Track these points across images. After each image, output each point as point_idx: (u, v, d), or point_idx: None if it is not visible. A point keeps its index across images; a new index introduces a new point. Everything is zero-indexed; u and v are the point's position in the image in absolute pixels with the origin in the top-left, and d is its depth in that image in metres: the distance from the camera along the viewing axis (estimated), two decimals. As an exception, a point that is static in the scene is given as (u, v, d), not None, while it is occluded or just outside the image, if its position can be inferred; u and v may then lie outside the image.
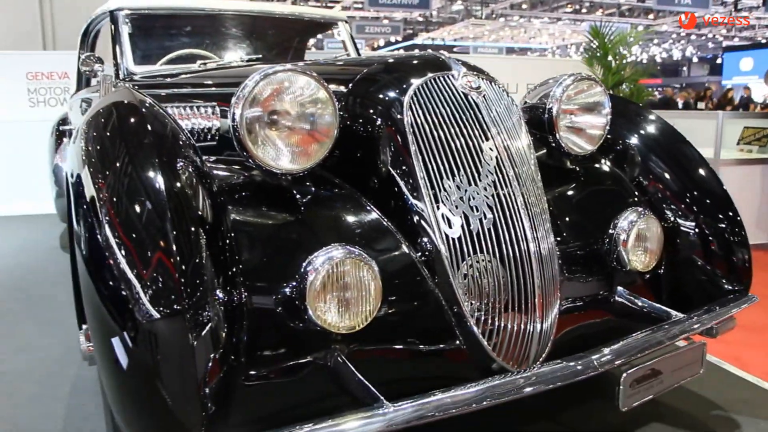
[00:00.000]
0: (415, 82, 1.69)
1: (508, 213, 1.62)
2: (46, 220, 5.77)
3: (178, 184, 1.40)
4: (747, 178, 4.98)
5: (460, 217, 1.58)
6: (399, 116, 1.64)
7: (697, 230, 2.11)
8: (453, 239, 1.57)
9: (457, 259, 1.56)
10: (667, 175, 2.24)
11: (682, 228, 2.13)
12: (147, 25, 3.30)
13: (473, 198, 1.60)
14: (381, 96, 1.71)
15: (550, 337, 1.66)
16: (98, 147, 1.51)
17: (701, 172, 2.23)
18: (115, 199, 1.36)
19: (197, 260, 1.31)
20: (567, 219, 1.95)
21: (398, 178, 1.63)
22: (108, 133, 1.55)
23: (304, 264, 1.41)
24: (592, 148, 2.13)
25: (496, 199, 1.62)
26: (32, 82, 6.41)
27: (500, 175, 1.65)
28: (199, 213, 1.40)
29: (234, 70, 2.75)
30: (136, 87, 2.76)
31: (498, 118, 1.73)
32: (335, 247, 1.42)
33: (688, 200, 2.16)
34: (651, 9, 24.50)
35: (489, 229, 1.59)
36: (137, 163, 1.42)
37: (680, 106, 14.71)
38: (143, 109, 1.61)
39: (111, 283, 1.28)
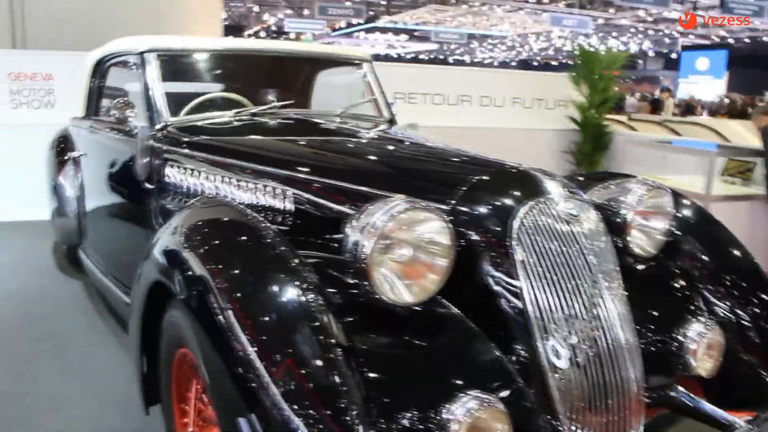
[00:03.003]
0: (520, 210, 1.74)
1: (610, 346, 1.71)
2: (30, 228, 5.64)
3: (306, 305, 1.50)
4: (736, 213, 5.19)
5: (569, 349, 1.66)
6: (509, 251, 1.71)
7: (744, 325, 2.23)
8: (560, 369, 1.64)
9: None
10: (712, 265, 2.35)
11: (730, 322, 2.25)
12: (174, 67, 3.25)
13: (580, 332, 1.68)
14: (487, 224, 1.77)
15: None
16: (220, 265, 1.63)
17: (745, 262, 2.35)
18: (251, 319, 1.48)
19: (351, 394, 1.39)
20: (637, 321, 2.05)
21: (508, 308, 1.70)
22: (226, 250, 1.71)
23: (444, 411, 1.46)
24: (655, 252, 2.23)
25: (601, 333, 1.70)
26: (14, 83, 6.19)
27: (603, 307, 1.73)
28: (335, 337, 1.47)
29: (291, 146, 2.70)
30: (184, 146, 2.76)
31: (595, 247, 1.80)
32: (470, 397, 1.48)
33: (736, 294, 2.28)
34: (611, 3, 24.92)
35: (594, 361, 1.68)
36: (264, 282, 1.56)
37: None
38: (252, 226, 1.76)
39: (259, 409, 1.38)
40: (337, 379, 1.40)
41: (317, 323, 1.47)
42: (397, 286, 1.61)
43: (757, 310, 2.24)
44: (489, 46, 40.20)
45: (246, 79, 3.63)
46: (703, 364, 2.03)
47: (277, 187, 2.27)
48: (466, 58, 43.68)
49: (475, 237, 1.77)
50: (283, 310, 1.50)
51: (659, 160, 5.99)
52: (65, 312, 3.87)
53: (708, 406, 2.04)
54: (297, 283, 1.54)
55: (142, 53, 3.09)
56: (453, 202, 1.83)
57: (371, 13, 30.33)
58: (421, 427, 1.46)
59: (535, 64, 42.55)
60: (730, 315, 2.23)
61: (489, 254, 1.75)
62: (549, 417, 1.64)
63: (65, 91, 6.20)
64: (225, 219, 1.86)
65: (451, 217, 1.78)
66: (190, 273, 1.66)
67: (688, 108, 18.87)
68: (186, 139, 2.81)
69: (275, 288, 1.53)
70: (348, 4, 27.17)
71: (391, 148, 2.55)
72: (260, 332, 1.46)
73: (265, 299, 1.52)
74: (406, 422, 1.46)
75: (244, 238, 1.72)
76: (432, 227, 1.63)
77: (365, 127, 3.05)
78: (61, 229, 4.50)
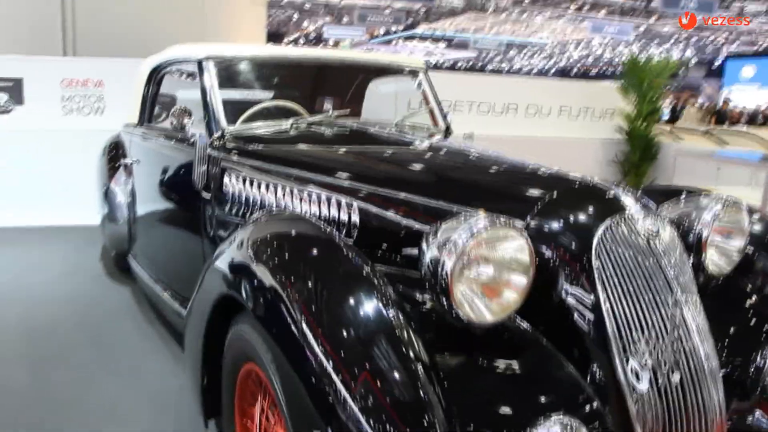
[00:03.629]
0: (600, 227, 1.68)
1: (693, 367, 1.64)
2: (78, 233, 5.72)
3: (386, 318, 1.48)
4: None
5: (649, 371, 1.59)
6: (589, 268, 1.64)
7: None
8: (641, 392, 1.58)
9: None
10: None
11: None
12: (230, 75, 3.25)
13: (662, 352, 1.61)
14: (566, 240, 1.71)
15: None
16: (295, 278, 1.61)
17: None
18: (328, 332, 1.46)
19: (434, 411, 1.35)
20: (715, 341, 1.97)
21: (586, 326, 1.64)
22: (301, 262, 1.68)
23: None
24: (729, 269, 2.14)
25: (683, 354, 1.63)
26: (67, 89, 6.29)
27: (684, 326, 1.66)
28: (417, 352, 1.44)
29: (354, 157, 2.64)
30: (243, 155, 2.75)
31: (676, 266, 1.73)
32: (554, 421, 1.42)
33: None
34: (654, 10, 24.56)
35: (676, 386, 1.61)
36: (341, 295, 1.54)
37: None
38: (327, 239, 1.76)
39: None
40: (419, 394, 1.36)
41: (398, 338, 1.44)
42: (477, 305, 1.56)
43: None
44: (527, 54, 39.91)
45: (301, 87, 3.63)
46: None
47: (342, 199, 2.23)
48: (504, 66, 43.41)
49: (552, 253, 1.72)
50: (362, 323, 1.47)
51: (711, 172, 5.85)
52: (116, 318, 3.89)
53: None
54: (375, 295, 1.52)
55: (200, 61, 3.09)
56: (529, 217, 1.78)
57: (410, 20, 30.36)
58: None
59: (574, 72, 42.10)
60: None
61: (567, 271, 1.69)
62: None
63: (115, 98, 6.31)
64: (298, 231, 1.83)
65: (528, 234, 1.73)
66: (264, 286, 1.64)
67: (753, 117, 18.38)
68: (245, 148, 2.81)
69: (353, 301, 1.51)
70: (387, 11, 27.23)
71: (457, 159, 2.50)
72: (338, 346, 1.43)
73: (342, 312, 1.49)
74: None
75: (319, 250, 1.70)
76: (513, 245, 1.58)
77: (425, 138, 3.01)
78: (111, 235, 4.54)
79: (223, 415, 2.08)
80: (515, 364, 1.58)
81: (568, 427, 1.42)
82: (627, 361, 1.59)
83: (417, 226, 1.97)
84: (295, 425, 1.48)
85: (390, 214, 2.08)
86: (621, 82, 7.56)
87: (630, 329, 1.61)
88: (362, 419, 1.32)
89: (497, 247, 1.57)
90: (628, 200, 1.78)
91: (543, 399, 1.50)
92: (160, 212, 3.68)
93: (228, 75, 3.18)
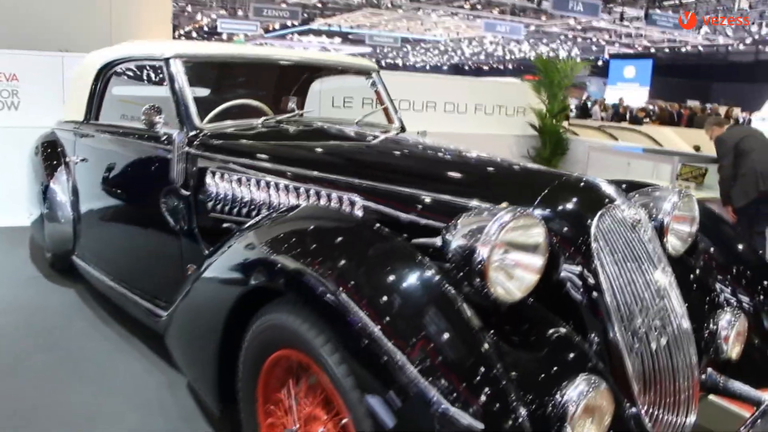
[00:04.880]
0: (594, 215, 1.95)
1: (676, 330, 1.93)
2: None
3: (437, 287, 1.69)
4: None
5: (643, 337, 1.87)
6: (586, 249, 1.91)
7: (756, 311, 2.52)
8: (636, 354, 1.85)
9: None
10: (723, 260, 2.64)
11: (742, 308, 2.52)
12: (195, 74, 3.29)
13: (652, 319, 1.90)
14: (566, 226, 1.97)
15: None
16: (337, 260, 1.78)
17: (753, 255, 2.66)
18: (380, 305, 1.63)
19: (496, 372, 1.56)
20: None
21: (586, 299, 1.90)
22: (343, 246, 1.86)
23: (561, 392, 1.63)
24: (683, 251, 2.49)
25: (669, 320, 1.93)
26: (-27, 82, 5.97)
27: (669, 298, 1.96)
28: (470, 317, 1.66)
29: (340, 152, 2.79)
30: (224, 152, 2.83)
31: (654, 246, 2.03)
32: (581, 379, 1.65)
33: (744, 283, 2.57)
34: (544, 11, 25.80)
35: (664, 348, 1.89)
36: (386, 268, 1.73)
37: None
38: (364, 224, 1.99)
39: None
40: (482, 352, 1.58)
41: (452, 303, 1.66)
42: (508, 286, 1.78)
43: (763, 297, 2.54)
44: (422, 50, 40.80)
45: (259, 85, 3.73)
46: (734, 349, 2.30)
47: (342, 195, 2.36)
48: (399, 62, 44.16)
49: (553, 238, 1.96)
50: (413, 292, 1.66)
51: (623, 166, 6.39)
52: (67, 321, 3.76)
53: (738, 385, 2.28)
54: (419, 266, 1.72)
55: (167, 59, 3.12)
56: (531, 209, 2.01)
57: (305, 15, 30.27)
58: (540, 411, 1.63)
59: (467, 68, 43.45)
60: (745, 303, 2.51)
61: (568, 253, 1.94)
62: (626, 398, 1.84)
63: (31, 93, 6.06)
64: (328, 219, 1.98)
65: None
66: (309, 273, 1.76)
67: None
68: (224, 145, 2.88)
69: (399, 273, 1.69)
70: (284, 6, 27.04)
71: (444, 155, 2.70)
72: (394, 316, 1.61)
73: (391, 284, 1.67)
74: (523, 409, 1.60)
75: (355, 233, 1.89)
76: (534, 232, 1.81)
77: (388, 134, 3.20)
78: (51, 235, 4.38)
79: (241, 402, 2.17)
80: (535, 334, 1.82)
81: (592, 382, 1.66)
82: (625, 328, 1.86)
83: (422, 220, 2.17)
84: (354, 397, 1.61)
85: (390, 209, 2.25)
86: (528, 82, 8.05)
87: (626, 300, 1.89)
88: (422, 381, 1.49)
89: (522, 234, 1.80)
90: (611, 191, 2.06)
91: (567, 362, 1.74)
92: (121, 211, 3.63)
93: (193, 74, 3.22)
